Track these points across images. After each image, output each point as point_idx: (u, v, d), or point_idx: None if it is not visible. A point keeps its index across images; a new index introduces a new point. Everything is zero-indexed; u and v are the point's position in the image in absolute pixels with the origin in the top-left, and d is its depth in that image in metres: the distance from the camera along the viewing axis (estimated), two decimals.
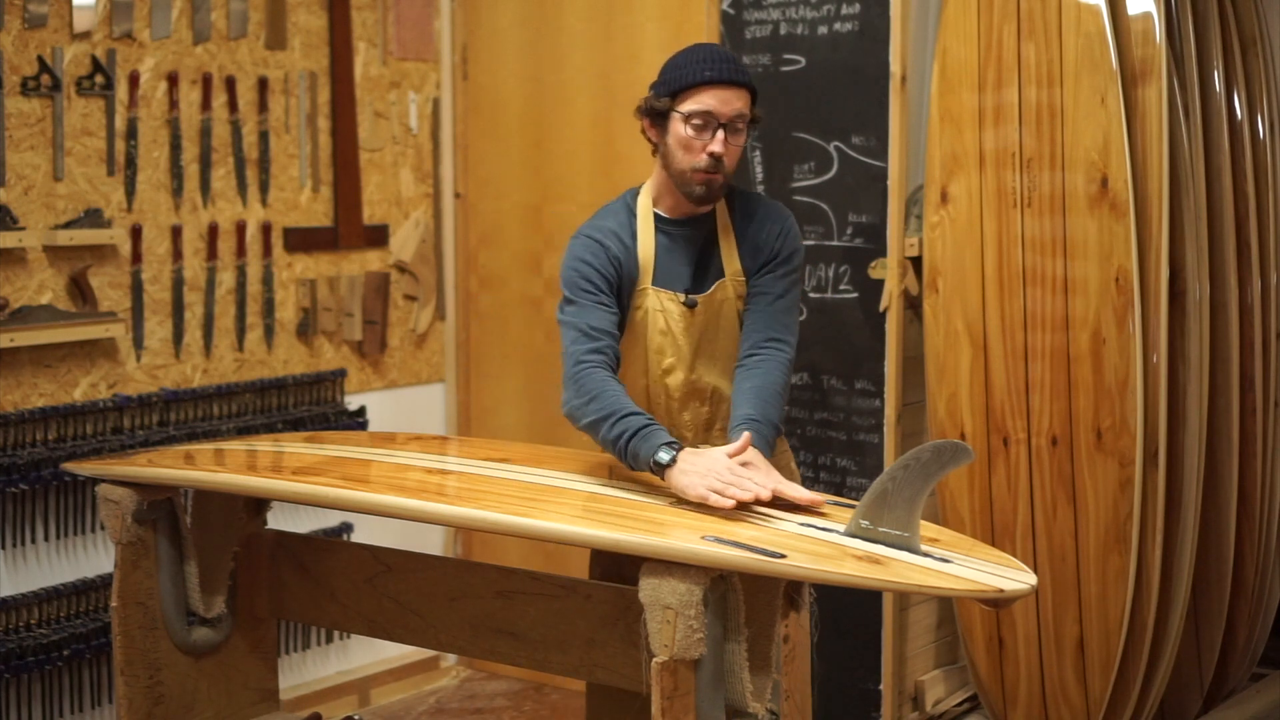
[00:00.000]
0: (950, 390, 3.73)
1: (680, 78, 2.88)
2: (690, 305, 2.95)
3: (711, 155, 2.86)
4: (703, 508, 2.63)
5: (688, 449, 2.69)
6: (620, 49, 4.21)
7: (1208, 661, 3.80)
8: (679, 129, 2.88)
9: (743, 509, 2.60)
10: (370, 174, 4.33)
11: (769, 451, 2.82)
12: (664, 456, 2.67)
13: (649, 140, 2.97)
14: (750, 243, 2.99)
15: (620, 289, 2.93)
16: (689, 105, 2.86)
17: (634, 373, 3.00)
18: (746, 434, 2.73)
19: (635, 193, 3.02)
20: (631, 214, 2.98)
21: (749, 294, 2.99)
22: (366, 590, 3.24)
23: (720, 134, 2.86)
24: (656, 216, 2.98)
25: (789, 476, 3.05)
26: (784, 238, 3.01)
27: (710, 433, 3.04)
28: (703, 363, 3.00)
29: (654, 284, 2.96)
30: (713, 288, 2.98)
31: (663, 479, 2.68)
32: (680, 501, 2.69)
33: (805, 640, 3.08)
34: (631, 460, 2.72)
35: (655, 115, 2.92)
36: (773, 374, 2.91)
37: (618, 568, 2.99)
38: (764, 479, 2.65)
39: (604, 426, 2.75)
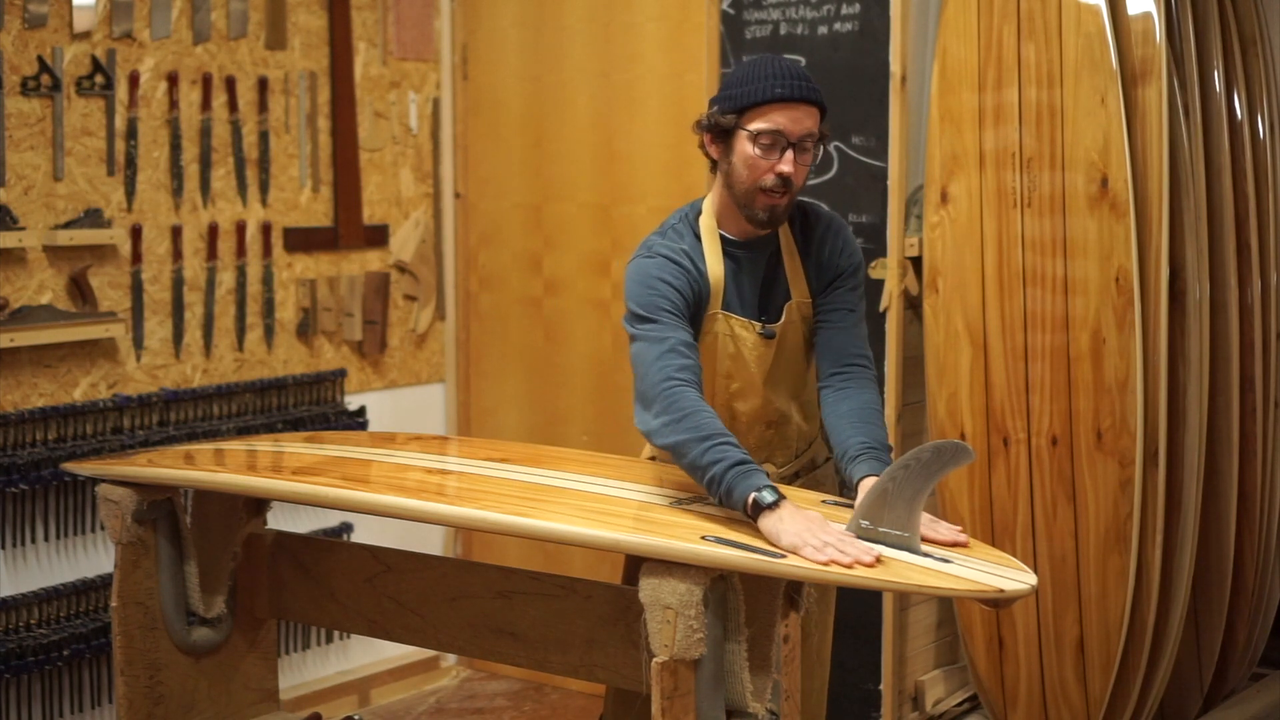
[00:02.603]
0: (950, 390, 3.73)
1: (749, 94, 2.73)
2: (768, 336, 2.84)
3: (780, 175, 2.72)
4: (704, 516, 2.64)
5: (790, 501, 2.53)
6: (620, 49, 4.21)
7: (1208, 661, 3.80)
8: (746, 148, 2.73)
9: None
10: (370, 174, 4.33)
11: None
12: (768, 497, 2.49)
13: (708, 157, 2.83)
14: (815, 261, 2.88)
15: (695, 313, 2.80)
16: (758, 124, 2.71)
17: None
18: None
19: (696, 212, 2.87)
20: (696, 236, 2.84)
21: (821, 311, 2.88)
22: (366, 590, 3.24)
23: (790, 153, 2.71)
24: (723, 239, 2.85)
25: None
26: (846, 252, 2.89)
27: (772, 453, 2.95)
28: (770, 387, 2.89)
29: (723, 309, 2.83)
30: (783, 314, 2.87)
31: (754, 519, 2.51)
32: (680, 501, 2.69)
33: (827, 636, 3.07)
34: (722, 491, 2.55)
35: (719, 132, 2.77)
36: (868, 394, 2.81)
37: None
38: (866, 548, 2.44)
39: (696, 448, 2.56)
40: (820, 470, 3.03)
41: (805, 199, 2.99)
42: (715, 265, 2.82)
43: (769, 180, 2.73)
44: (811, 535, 2.43)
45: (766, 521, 2.49)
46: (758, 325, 2.84)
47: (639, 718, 2.94)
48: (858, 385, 2.81)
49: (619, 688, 3.03)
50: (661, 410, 2.62)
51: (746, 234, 2.84)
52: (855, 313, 2.88)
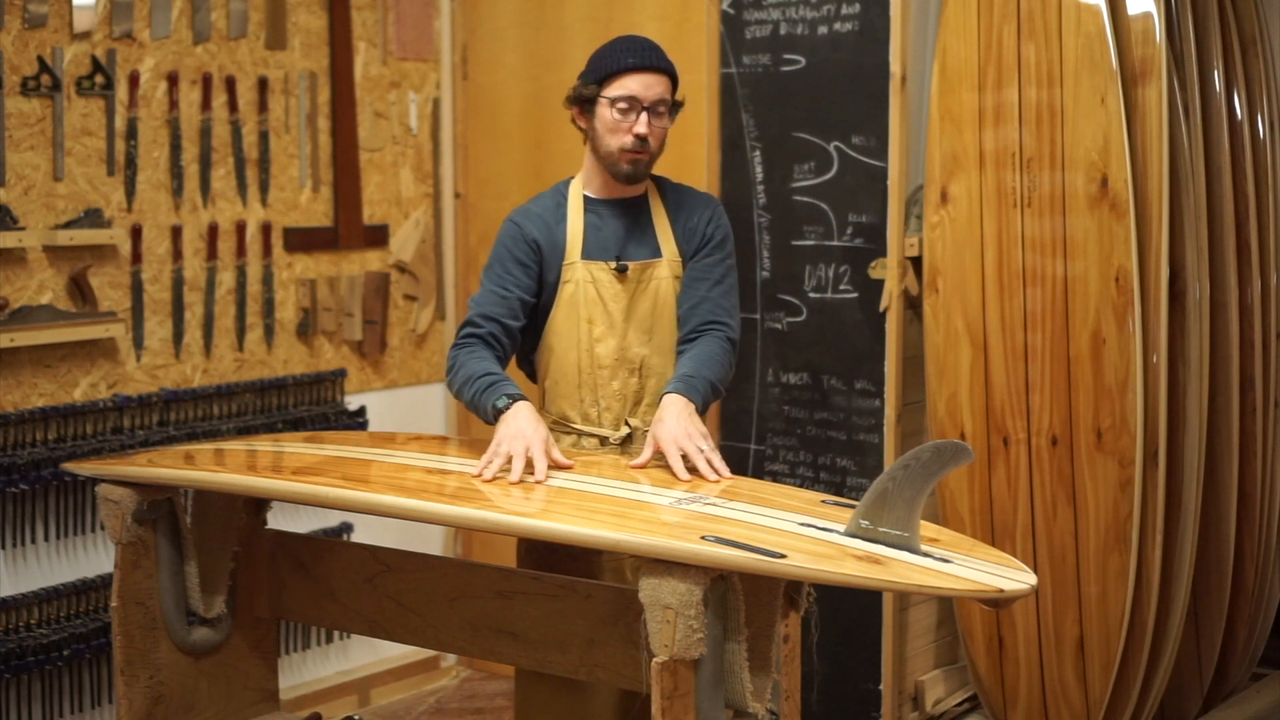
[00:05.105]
0: (950, 390, 3.73)
1: (605, 66, 3.06)
2: (621, 270, 3.10)
3: (637, 136, 3.03)
4: (704, 516, 2.64)
5: (526, 406, 2.91)
6: None
7: (1208, 661, 3.80)
8: (605, 113, 3.05)
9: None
10: (370, 174, 4.33)
11: (702, 404, 2.97)
12: (501, 403, 2.91)
13: (579, 128, 3.14)
14: (683, 226, 3.16)
15: (541, 267, 3.10)
16: (613, 91, 3.04)
17: (566, 345, 3.11)
18: (644, 459, 2.93)
19: (568, 181, 3.20)
20: (562, 197, 3.16)
21: (686, 278, 3.14)
22: (366, 590, 3.24)
23: (644, 116, 3.03)
24: (586, 198, 3.16)
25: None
26: (715, 223, 3.18)
27: (639, 407, 3.13)
28: (634, 333, 3.11)
29: (583, 257, 3.10)
30: (648, 262, 3.12)
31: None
32: (680, 501, 2.69)
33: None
34: (484, 414, 2.96)
35: (584, 103, 3.09)
36: (712, 345, 3.07)
37: (549, 557, 3.05)
38: (541, 472, 2.82)
39: (466, 390, 2.99)
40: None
41: (681, 183, 3.25)
42: (575, 219, 3.13)
43: (628, 141, 3.05)
44: (505, 444, 2.86)
45: (497, 426, 2.92)
46: (612, 264, 3.10)
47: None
48: (708, 338, 3.10)
49: (526, 673, 3.13)
50: (447, 371, 3.07)
51: (610, 193, 3.15)
52: (721, 284, 3.15)
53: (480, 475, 2.86)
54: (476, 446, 3.39)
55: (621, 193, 3.14)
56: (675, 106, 3.12)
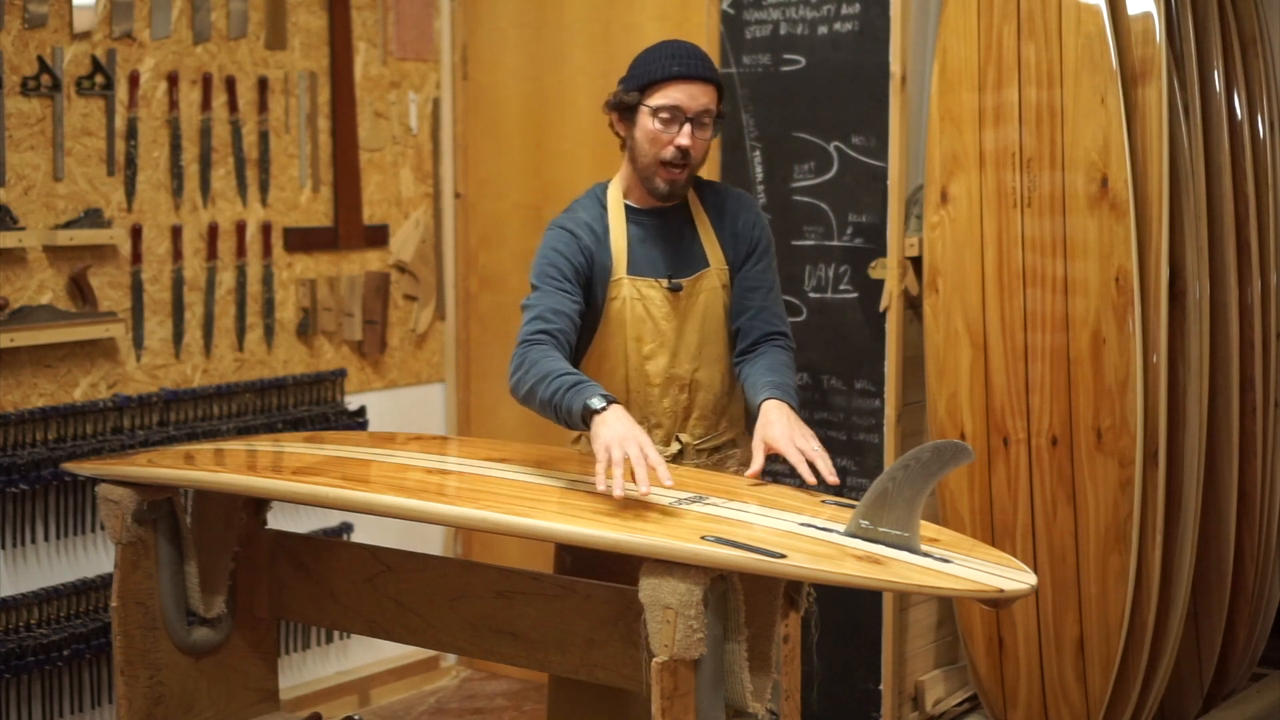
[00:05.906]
0: (950, 390, 3.73)
1: (648, 73, 2.94)
2: (675, 289, 2.99)
3: (679, 148, 2.91)
4: (704, 516, 2.64)
5: (622, 409, 2.69)
6: (620, 49, 4.20)
7: (1208, 661, 3.80)
8: (647, 123, 2.93)
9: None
10: (370, 174, 4.33)
11: (795, 409, 2.88)
12: (597, 403, 2.67)
13: (617, 134, 3.03)
14: (729, 232, 3.05)
15: (591, 279, 2.97)
16: (656, 100, 2.92)
17: (613, 362, 3.02)
18: (758, 465, 2.81)
19: (604, 186, 3.07)
20: (602, 206, 3.03)
21: (739, 288, 3.05)
22: (366, 590, 3.24)
23: (687, 127, 2.91)
24: (627, 208, 3.03)
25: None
26: (759, 226, 3.08)
27: (688, 421, 3.06)
28: (685, 349, 3.02)
29: (629, 273, 2.99)
30: (697, 274, 3.01)
31: (590, 428, 2.68)
32: (680, 501, 2.69)
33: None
34: (566, 415, 2.72)
35: (624, 110, 2.97)
36: (781, 356, 3.00)
37: (589, 563, 3.01)
38: (665, 474, 2.59)
39: (540, 388, 2.75)
40: (742, 450, 3.11)
41: (715, 181, 3.17)
42: (619, 232, 2.99)
43: (669, 153, 2.92)
44: (616, 448, 2.60)
45: (595, 426, 2.66)
46: (664, 282, 2.98)
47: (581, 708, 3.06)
48: (774, 348, 3.01)
49: (559, 679, 3.10)
50: (514, 369, 2.83)
51: (652, 203, 3.02)
52: (773, 290, 3.06)
53: (609, 490, 2.59)
54: (476, 446, 3.40)
55: (661, 202, 3.03)
56: (720, 117, 2.99)
